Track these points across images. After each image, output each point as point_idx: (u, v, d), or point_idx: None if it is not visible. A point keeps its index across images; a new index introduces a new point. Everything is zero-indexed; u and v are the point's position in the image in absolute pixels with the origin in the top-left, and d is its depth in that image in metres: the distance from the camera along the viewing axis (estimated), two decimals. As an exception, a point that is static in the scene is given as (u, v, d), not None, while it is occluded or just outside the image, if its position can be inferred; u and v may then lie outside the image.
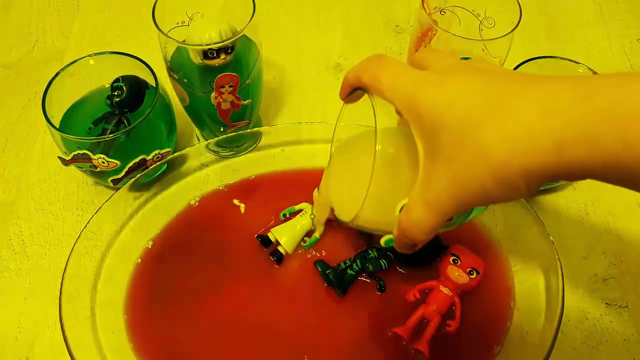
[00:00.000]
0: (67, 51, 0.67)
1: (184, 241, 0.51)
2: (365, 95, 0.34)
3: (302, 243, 0.50)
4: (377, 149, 0.33)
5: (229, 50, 0.47)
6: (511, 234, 0.50)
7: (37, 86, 0.64)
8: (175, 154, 0.52)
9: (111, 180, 0.50)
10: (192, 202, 0.53)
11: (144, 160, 0.49)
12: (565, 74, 0.49)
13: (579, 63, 0.49)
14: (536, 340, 0.44)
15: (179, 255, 0.50)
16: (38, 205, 0.55)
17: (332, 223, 0.51)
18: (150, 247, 0.50)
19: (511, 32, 0.46)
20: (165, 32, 0.46)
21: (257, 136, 0.55)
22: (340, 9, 0.71)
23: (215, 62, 0.47)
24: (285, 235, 0.50)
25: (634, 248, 0.53)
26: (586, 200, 0.56)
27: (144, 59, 0.51)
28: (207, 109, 0.51)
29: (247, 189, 0.54)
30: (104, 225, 0.49)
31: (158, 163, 0.51)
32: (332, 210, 0.48)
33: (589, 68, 0.48)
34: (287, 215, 0.52)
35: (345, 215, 0.38)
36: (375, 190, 0.33)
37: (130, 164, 0.49)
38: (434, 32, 0.47)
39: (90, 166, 0.48)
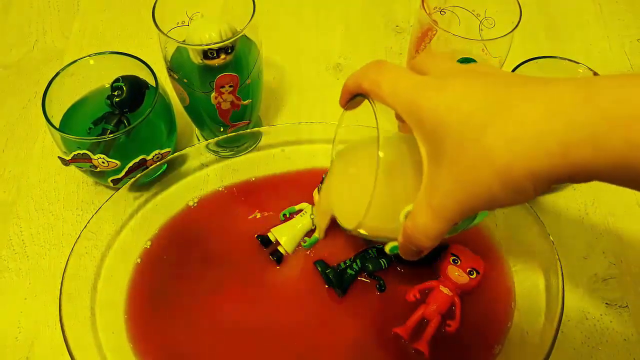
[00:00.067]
0: (67, 51, 0.67)
1: (183, 241, 0.51)
2: (365, 101, 0.34)
3: (302, 243, 0.50)
4: (379, 155, 0.32)
5: (229, 50, 0.47)
6: (511, 234, 0.50)
7: (37, 86, 0.64)
8: (175, 154, 0.52)
9: (111, 180, 0.50)
10: (191, 203, 0.53)
11: (144, 160, 0.49)
12: (565, 74, 0.49)
13: (579, 63, 0.49)
14: (536, 340, 0.44)
15: (178, 255, 0.50)
16: (38, 205, 0.55)
17: (332, 223, 0.51)
18: (148, 247, 0.50)
19: (511, 32, 0.46)
20: (165, 32, 0.46)
21: (257, 136, 0.55)
22: (340, 9, 0.71)
23: (215, 62, 0.47)
24: (285, 235, 0.50)
25: (634, 248, 0.53)
26: (586, 200, 0.56)
27: (144, 59, 0.51)
28: (207, 109, 0.51)
29: (247, 189, 0.54)
30: (104, 225, 0.49)
31: (158, 163, 0.51)
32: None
33: (589, 68, 0.48)
34: (287, 215, 0.52)
35: (348, 223, 0.38)
36: (379, 198, 0.33)
37: (130, 164, 0.49)
38: (434, 32, 0.47)
39: (90, 166, 0.48)
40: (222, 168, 0.55)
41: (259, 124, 0.59)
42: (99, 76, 0.53)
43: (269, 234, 0.50)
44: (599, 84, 0.24)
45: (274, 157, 0.56)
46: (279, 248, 0.50)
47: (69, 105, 0.52)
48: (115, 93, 0.50)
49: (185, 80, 0.49)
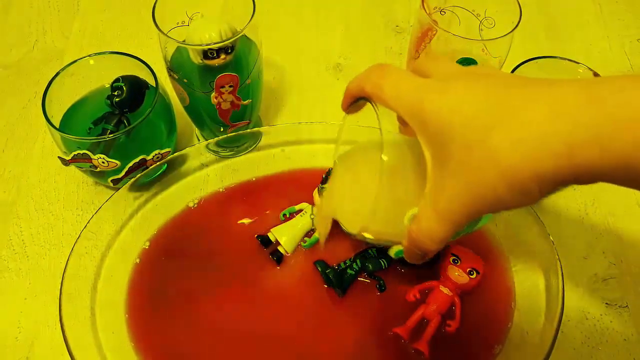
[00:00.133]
0: (67, 51, 0.67)
1: (182, 241, 0.51)
2: (367, 104, 0.34)
3: (302, 243, 0.50)
4: (383, 159, 0.32)
5: (229, 50, 0.47)
6: (511, 234, 0.50)
7: (37, 86, 0.64)
8: (175, 154, 0.52)
9: (111, 180, 0.50)
10: (191, 204, 0.53)
11: (144, 160, 0.49)
12: (565, 74, 0.49)
13: (579, 63, 0.49)
14: (536, 340, 0.44)
15: (178, 255, 0.50)
16: (38, 205, 0.55)
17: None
18: (147, 247, 0.50)
19: (511, 32, 0.46)
20: (165, 32, 0.46)
21: (257, 136, 0.55)
22: (340, 9, 0.71)
23: (215, 62, 0.47)
24: (285, 235, 0.50)
25: (634, 248, 0.53)
26: (586, 200, 0.56)
27: (144, 59, 0.51)
28: (207, 109, 0.51)
29: (247, 189, 0.54)
30: (104, 225, 0.49)
31: (158, 163, 0.51)
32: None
33: (589, 68, 0.48)
34: (287, 215, 0.52)
35: (352, 227, 0.38)
36: (382, 201, 0.33)
37: (130, 164, 0.49)
38: (434, 32, 0.47)
39: (90, 166, 0.48)
40: (222, 168, 0.55)
41: (259, 124, 0.59)
42: (99, 76, 0.53)
43: (269, 234, 0.50)
44: (603, 85, 0.24)
45: (274, 157, 0.56)
46: (279, 248, 0.50)
47: (69, 105, 0.52)
48: (115, 93, 0.50)
49: (185, 80, 0.49)
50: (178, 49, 0.49)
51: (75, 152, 0.47)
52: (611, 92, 0.24)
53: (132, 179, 0.49)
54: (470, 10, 0.51)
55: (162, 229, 0.51)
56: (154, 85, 0.50)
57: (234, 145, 0.55)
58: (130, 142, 0.49)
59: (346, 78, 0.64)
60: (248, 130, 0.55)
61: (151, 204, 0.52)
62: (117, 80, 0.50)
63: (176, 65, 0.49)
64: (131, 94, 0.50)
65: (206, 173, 0.55)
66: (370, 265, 0.48)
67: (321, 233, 0.45)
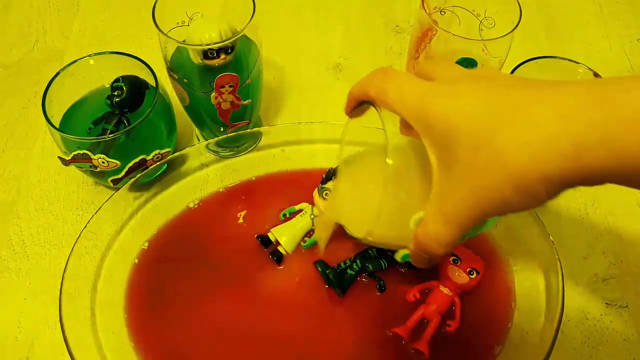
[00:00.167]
0: (67, 51, 0.67)
1: (182, 241, 0.51)
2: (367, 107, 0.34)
3: (302, 243, 0.50)
4: (388, 162, 0.32)
5: (229, 50, 0.47)
6: (511, 234, 0.50)
7: (37, 86, 0.64)
8: (175, 154, 0.52)
9: (111, 180, 0.50)
10: (191, 204, 0.53)
11: (144, 160, 0.49)
12: (565, 74, 0.49)
13: (579, 63, 0.49)
14: (536, 340, 0.44)
15: (177, 255, 0.50)
16: (38, 205, 0.55)
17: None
18: (146, 247, 0.50)
19: (511, 32, 0.46)
20: (165, 32, 0.46)
21: (257, 136, 0.55)
22: (340, 9, 0.71)
23: (215, 62, 0.47)
24: (285, 235, 0.50)
25: (634, 248, 0.53)
26: (586, 200, 0.56)
27: (144, 59, 0.51)
28: (207, 109, 0.51)
29: (247, 189, 0.54)
30: (104, 225, 0.49)
31: (158, 163, 0.51)
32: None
33: (589, 68, 0.48)
34: (287, 215, 0.52)
35: (357, 232, 0.38)
36: (387, 205, 0.33)
37: (130, 164, 0.49)
38: (434, 32, 0.47)
39: (90, 166, 0.48)
40: (222, 168, 0.55)
41: (259, 124, 0.59)
42: (99, 76, 0.53)
43: (269, 234, 0.50)
44: (609, 86, 0.24)
45: (274, 157, 0.56)
46: (279, 248, 0.50)
47: (69, 105, 0.52)
48: (115, 93, 0.50)
49: (185, 80, 0.49)
50: (178, 49, 0.49)
51: (75, 152, 0.47)
52: (618, 92, 0.24)
53: (132, 179, 0.49)
54: (470, 10, 0.51)
55: (161, 229, 0.51)
56: (154, 85, 0.50)
57: (234, 145, 0.55)
58: (130, 142, 0.49)
59: (346, 78, 0.64)
60: (248, 130, 0.55)
61: (151, 204, 0.52)
62: (117, 80, 0.50)
63: (176, 65, 0.49)
64: (131, 94, 0.50)
65: (206, 173, 0.55)
66: (370, 266, 0.48)
67: (322, 237, 0.45)
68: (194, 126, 0.58)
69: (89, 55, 0.51)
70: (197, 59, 0.47)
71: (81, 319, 0.45)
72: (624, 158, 0.23)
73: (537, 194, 0.26)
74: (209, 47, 0.45)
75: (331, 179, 0.50)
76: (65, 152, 0.49)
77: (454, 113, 0.28)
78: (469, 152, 0.27)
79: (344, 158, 0.41)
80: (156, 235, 0.51)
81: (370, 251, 0.49)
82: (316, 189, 0.51)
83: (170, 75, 0.50)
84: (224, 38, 0.46)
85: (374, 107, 0.33)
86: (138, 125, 0.47)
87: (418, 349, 0.44)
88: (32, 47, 0.67)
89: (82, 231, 0.47)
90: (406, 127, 0.33)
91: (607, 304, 0.50)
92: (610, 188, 0.26)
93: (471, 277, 0.46)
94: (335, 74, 0.65)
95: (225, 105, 0.50)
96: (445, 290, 0.46)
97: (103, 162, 0.48)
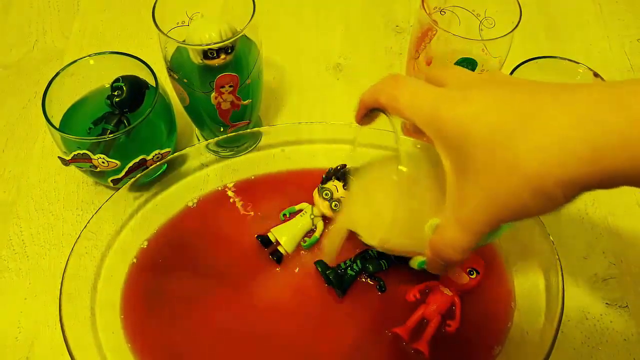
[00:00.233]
0: (67, 51, 0.67)
1: (181, 241, 0.51)
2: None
3: (302, 243, 0.50)
4: (402, 170, 0.32)
5: (229, 50, 0.47)
6: (511, 234, 0.50)
7: (37, 86, 0.64)
8: (175, 154, 0.52)
9: (111, 180, 0.50)
10: (190, 203, 0.53)
11: (144, 160, 0.49)
12: (565, 73, 0.49)
13: (579, 63, 0.49)
14: (536, 340, 0.44)
15: (176, 255, 0.50)
16: (38, 205, 0.55)
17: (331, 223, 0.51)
18: (145, 246, 0.50)
19: (511, 32, 0.46)
20: (165, 32, 0.46)
21: (257, 136, 0.55)
22: (340, 9, 0.71)
23: (215, 62, 0.47)
24: (285, 235, 0.50)
25: (634, 248, 0.53)
26: (586, 200, 0.56)
27: (144, 59, 0.51)
28: (207, 109, 0.51)
29: (247, 189, 0.54)
30: (104, 225, 0.49)
31: (158, 163, 0.51)
32: (329, 210, 0.48)
33: (589, 68, 0.48)
34: (287, 215, 0.52)
35: (373, 240, 0.38)
36: (401, 212, 0.33)
37: (130, 164, 0.49)
38: (434, 32, 0.47)
39: (90, 166, 0.48)
40: (222, 168, 0.55)
41: (259, 124, 0.59)
42: (99, 76, 0.53)
43: (269, 234, 0.50)
44: (625, 89, 0.24)
45: (274, 157, 0.55)
46: (279, 248, 0.50)
47: (69, 105, 0.52)
48: (115, 93, 0.50)
49: (185, 80, 0.49)
50: (178, 49, 0.49)
51: (75, 152, 0.47)
52: (635, 95, 0.24)
53: (132, 179, 0.49)
54: (470, 10, 0.51)
55: (161, 229, 0.51)
56: (154, 85, 0.50)
57: (234, 145, 0.55)
58: (130, 142, 0.49)
59: (346, 78, 0.65)
60: (248, 130, 0.55)
61: (151, 204, 0.52)
62: (117, 80, 0.50)
63: (176, 65, 0.49)
64: (131, 94, 0.50)
65: (206, 173, 0.55)
66: (370, 267, 0.48)
67: (334, 246, 0.44)
68: (194, 126, 0.58)
69: (89, 55, 0.51)
70: (197, 59, 0.47)
71: (81, 319, 0.45)
72: None
73: (555, 197, 0.26)
74: (209, 47, 0.45)
75: (331, 179, 0.51)
76: (65, 152, 0.49)
77: (468, 119, 0.28)
78: (485, 158, 0.27)
79: (355, 166, 0.41)
80: (156, 234, 0.51)
81: (370, 252, 0.49)
82: (316, 189, 0.51)
83: (170, 75, 0.50)
84: (224, 38, 0.46)
85: (385, 114, 0.33)
86: (138, 125, 0.47)
87: (418, 349, 0.44)
88: (32, 47, 0.67)
89: (82, 231, 0.47)
90: (416, 132, 0.33)
91: (607, 304, 0.50)
92: (610, 188, 0.26)
93: (471, 277, 0.46)
94: (335, 74, 0.65)
95: (225, 105, 0.50)
96: (445, 290, 0.46)
97: (103, 162, 0.48)
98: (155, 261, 0.49)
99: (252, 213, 0.52)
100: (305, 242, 0.50)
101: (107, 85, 0.52)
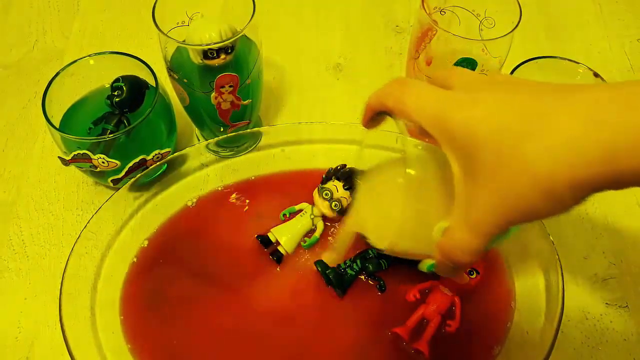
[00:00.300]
0: (67, 51, 0.67)
1: (181, 240, 0.51)
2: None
3: (302, 243, 0.50)
4: (410, 173, 0.32)
5: (229, 50, 0.47)
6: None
7: (37, 86, 0.64)
8: (175, 154, 0.52)
9: (111, 180, 0.50)
10: (190, 203, 0.53)
11: (144, 160, 0.49)
12: (565, 74, 0.49)
13: (579, 63, 0.49)
14: (536, 340, 0.44)
15: (176, 254, 0.50)
16: (38, 205, 0.55)
17: (332, 222, 0.51)
18: (145, 246, 0.50)
19: (511, 32, 0.46)
20: (165, 32, 0.46)
21: (257, 136, 0.55)
22: (340, 9, 0.71)
23: (215, 62, 0.47)
24: (285, 235, 0.50)
25: (634, 248, 0.53)
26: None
27: (144, 59, 0.51)
28: (207, 109, 0.51)
29: (247, 189, 0.54)
30: (104, 225, 0.49)
31: (158, 163, 0.51)
32: (329, 210, 0.48)
33: (589, 68, 0.48)
34: (287, 215, 0.52)
35: (381, 243, 0.38)
36: (410, 214, 0.33)
37: (130, 164, 0.49)
38: (434, 32, 0.47)
39: (90, 166, 0.48)
40: (222, 168, 0.55)
41: (259, 124, 0.59)
42: (99, 76, 0.53)
43: (269, 234, 0.50)
44: (631, 89, 0.24)
45: (274, 157, 0.55)
46: (279, 248, 0.50)
47: (69, 105, 0.52)
48: (115, 93, 0.50)
49: (185, 80, 0.49)
50: (178, 49, 0.49)
51: (75, 152, 0.47)
52: None
53: (132, 179, 0.49)
54: (470, 10, 0.51)
55: (160, 229, 0.51)
56: (154, 85, 0.50)
57: (234, 145, 0.55)
58: (130, 142, 0.49)
59: (346, 78, 0.65)
60: (248, 130, 0.55)
61: (151, 204, 0.52)
62: (117, 80, 0.50)
63: (176, 65, 0.49)
64: (131, 94, 0.50)
65: (206, 173, 0.55)
66: (370, 266, 0.48)
67: (341, 249, 0.44)
68: (194, 126, 0.58)
69: (89, 55, 0.51)
70: (197, 59, 0.47)
71: (81, 319, 0.45)
72: None
73: (565, 199, 0.26)
74: (209, 47, 0.45)
75: (331, 179, 0.51)
76: (65, 152, 0.49)
77: (477, 122, 0.28)
78: (493, 160, 0.27)
79: (362, 170, 0.41)
80: (155, 233, 0.51)
81: (370, 252, 0.49)
82: (316, 189, 0.51)
83: (170, 75, 0.50)
84: (224, 38, 0.46)
85: (392, 117, 0.33)
86: (138, 125, 0.47)
87: (418, 349, 0.44)
88: (32, 47, 0.67)
89: (82, 231, 0.47)
90: (423, 134, 0.33)
91: (607, 304, 0.50)
92: (610, 188, 0.26)
93: (471, 277, 0.46)
94: (335, 74, 0.65)
95: (225, 105, 0.50)
96: (445, 290, 0.46)
97: (103, 162, 0.48)
98: (155, 261, 0.49)
99: (251, 212, 0.52)
100: (305, 242, 0.50)
101: (107, 85, 0.52)
